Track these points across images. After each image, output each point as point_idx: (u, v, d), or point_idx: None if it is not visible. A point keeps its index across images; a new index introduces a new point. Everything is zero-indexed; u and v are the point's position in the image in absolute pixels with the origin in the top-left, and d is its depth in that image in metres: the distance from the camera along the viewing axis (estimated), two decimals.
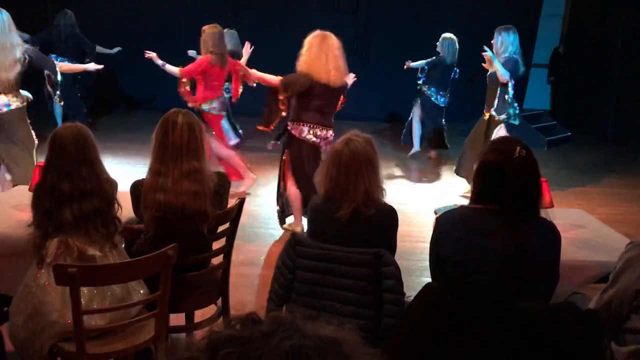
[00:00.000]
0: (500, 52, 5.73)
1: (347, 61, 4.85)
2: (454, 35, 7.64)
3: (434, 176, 7.52)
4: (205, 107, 5.85)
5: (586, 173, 8.04)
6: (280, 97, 4.85)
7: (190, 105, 5.68)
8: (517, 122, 5.83)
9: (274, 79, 4.89)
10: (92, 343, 2.42)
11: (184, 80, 5.69)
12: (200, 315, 3.21)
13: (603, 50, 10.57)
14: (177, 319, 3.06)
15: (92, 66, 5.66)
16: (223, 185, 2.99)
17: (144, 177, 2.84)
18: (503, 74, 5.64)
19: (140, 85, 10.51)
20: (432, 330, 1.94)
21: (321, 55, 4.63)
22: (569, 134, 10.37)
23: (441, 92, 7.73)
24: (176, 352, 0.72)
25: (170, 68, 5.84)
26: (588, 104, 11.04)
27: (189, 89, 5.77)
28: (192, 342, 0.73)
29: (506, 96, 5.74)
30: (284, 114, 4.94)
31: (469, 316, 1.94)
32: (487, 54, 5.72)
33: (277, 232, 5.27)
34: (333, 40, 4.68)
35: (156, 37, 8.28)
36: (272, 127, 5.05)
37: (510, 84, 5.68)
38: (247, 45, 6.05)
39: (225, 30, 7.65)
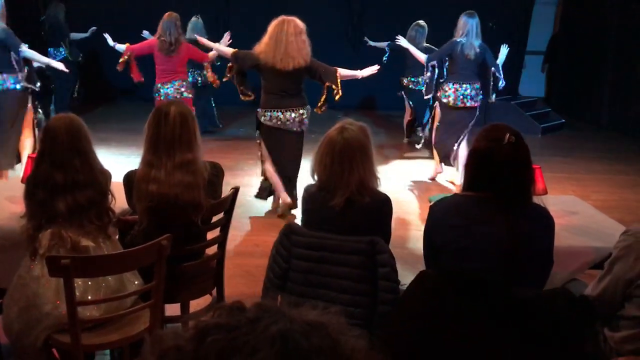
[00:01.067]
0: (458, 35, 6.06)
1: (341, 50, 4.87)
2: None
3: (429, 164, 7.51)
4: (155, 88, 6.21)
5: (580, 160, 8.06)
6: (229, 65, 5.12)
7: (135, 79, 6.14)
8: (448, 103, 6.08)
9: (229, 51, 5.16)
10: (87, 334, 2.42)
11: (126, 55, 5.97)
12: (195, 305, 3.21)
13: (598, 38, 10.56)
14: (172, 309, 3.06)
15: (58, 65, 5.83)
16: (217, 175, 2.98)
17: (137, 167, 2.83)
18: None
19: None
20: (427, 318, 1.95)
21: (271, 40, 4.74)
22: (563, 120, 10.38)
23: (420, 78, 7.77)
24: (162, 342, 0.72)
25: (119, 46, 6.12)
26: (582, 90, 11.04)
27: (122, 61, 6.01)
28: (179, 331, 0.73)
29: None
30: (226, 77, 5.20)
31: (464, 303, 1.94)
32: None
33: (272, 221, 5.26)
34: (289, 26, 4.71)
35: (149, 25, 8.20)
36: (246, 97, 5.20)
37: (430, 65, 6.10)
38: (227, 35, 6.25)
39: (193, 18, 7.79)
